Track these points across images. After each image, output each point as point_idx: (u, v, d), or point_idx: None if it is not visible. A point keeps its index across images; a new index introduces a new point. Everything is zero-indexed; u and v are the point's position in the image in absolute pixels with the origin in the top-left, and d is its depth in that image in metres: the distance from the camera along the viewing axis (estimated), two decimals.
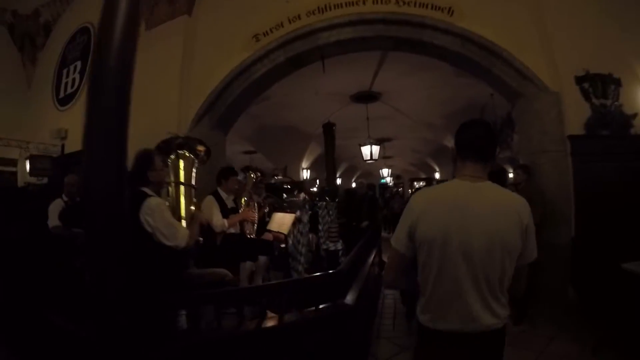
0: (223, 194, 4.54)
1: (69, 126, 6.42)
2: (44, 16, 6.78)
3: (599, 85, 4.56)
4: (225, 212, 4.42)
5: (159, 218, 2.48)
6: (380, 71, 6.92)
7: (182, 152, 3.04)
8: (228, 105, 5.67)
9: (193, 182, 3.05)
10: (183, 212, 2.94)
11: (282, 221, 4.39)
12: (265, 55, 5.36)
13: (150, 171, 2.66)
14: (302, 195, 5.40)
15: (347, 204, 7.24)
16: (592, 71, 4.58)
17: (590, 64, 4.60)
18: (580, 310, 4.25)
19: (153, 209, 2.49)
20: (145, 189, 2.62)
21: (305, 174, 11.01)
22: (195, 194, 3.11)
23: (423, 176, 16.50)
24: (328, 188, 7.70)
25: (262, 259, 4.65)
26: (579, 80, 4.61)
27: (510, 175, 9.49)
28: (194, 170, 3.06)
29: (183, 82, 5.67)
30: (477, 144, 1.55)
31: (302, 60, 5.52)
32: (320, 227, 5.07)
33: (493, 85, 5.47)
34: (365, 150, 8.40)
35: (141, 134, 6.26)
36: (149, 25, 5.99)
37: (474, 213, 1.41)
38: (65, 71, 6.70)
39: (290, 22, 5.25)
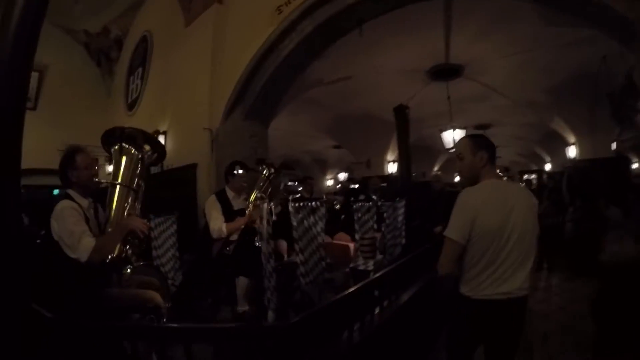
0: (230, 194, 3.82)
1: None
2: (114, 32, 7.16)
3: None
4: (230, 215, 3.67)
5: (61, 225, 2.10)
6: (450, 35, 5.33)
7: (127, 147, 2.48)
8: (259, 91, 4.96)
9: (134, 184, 2.46)
10: (112, 219, 2.39)
11: None
12: (291, 27, 4.49)
13: (71, 170, 2.27)
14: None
15: (422, 203, 5.77)
16: None
17: None
18: None
19: (58, 213, 2.12)
20: (70, 191, 2.28)
21: (393, 168, 9.65)
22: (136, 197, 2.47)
23: (534, 168, 13.36)
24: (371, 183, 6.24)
25: None
26: None
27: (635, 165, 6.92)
28: (138, 170, 2.49)
29: (214, 74, 5.22)
30: (495, 152, 1.94)
31: (334, 27, 4.49)
32: (356, 237, 3.92)
33: (598, 22, 3.63)
34: (447, 137, 6.67)
35: (178, 132, 5.95)
36: (188, 22, 5.69)
37: (512, 207, 1.77)
38: (131, 78, 6.89)
39: None
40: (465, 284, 1.83)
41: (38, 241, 2.40)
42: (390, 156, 9.63)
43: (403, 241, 4.63)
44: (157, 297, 2.35)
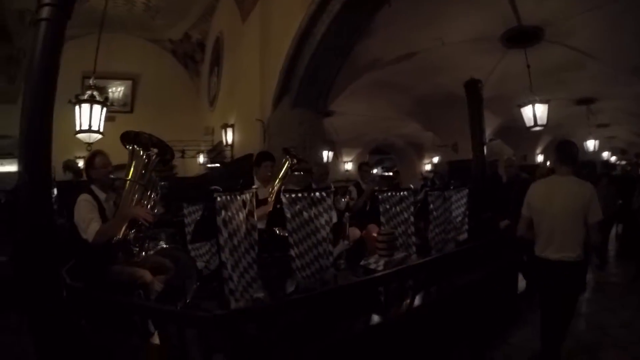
0: (257, 183, 3.84)
1: (214, 124, 7.08)
2: (195, 36, 7.77)
3: None
4: (256, 204, 3.69)
5: (77, 212, 2.55)
6: None
7: (137, 149, 2.85)
8: (302, 78, 4.88)
9: (143, 179, 2.80)
10: (120, 208, 2.75)
11: None
12: (320, 9, 4.27)
13: (91, 169, 2.74)
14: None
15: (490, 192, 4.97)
16: None
17: None
18: None
19: (77, 204, 2.58)
20: (93, 187, 2.73)
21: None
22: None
23: None
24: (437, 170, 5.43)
25: None
26: None
27: None
28: (145, 168, 2.84)
29: (263, 65, 5.27)
30: (568, 157, 2.57)
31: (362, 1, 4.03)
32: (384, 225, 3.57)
33: None
34: (527, 113, 5.47)
35: (240, 125, 6.22)
36: (243, 19, 5.85)
37: (557, 194, 2.48)
38: (211, 77, 7.45)
39: None
40: (535, 245, 2.61)
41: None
42: None
43: (463, 236, 4.08)
44: (146, 275, 2.62)
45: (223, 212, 2.66)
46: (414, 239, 3.69)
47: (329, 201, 3.11)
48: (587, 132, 8.61)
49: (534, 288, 4.52)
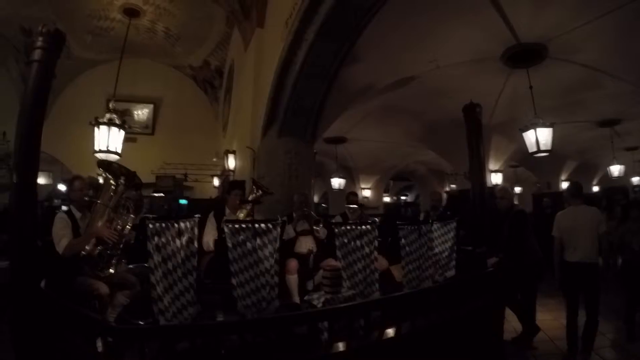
0: (227, 210, 3.96)
1: (224, 149, 7.37)
2: (213, 63, 8.15)
3: None
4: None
5: (54, 229, 2.95)
6: (503, 8, 4.09)
7: (108, 176, 3.21)
8: (286, 107, 4.82)
9: (110, 203, 3.15)
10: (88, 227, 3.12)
11: None
12: (297, 39, 4.20)
13: (70, 192, 3.22)
14: None
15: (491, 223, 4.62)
16: None
17: None
18: None
19: (54, 221, 2.99)
20: (71, 206, 3.17)
21: (497, 178, 7.89)
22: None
23: None
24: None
25: None
26: None
27: None
28: (112, 192, 3.18)
29: (255, 94, 5.35)
30: (578, 193, 3.79)
31: (333, 28, 3.96)
32: (340, 260, 3.44)
33: None
34: (530, 137, 4.95)
35: (239, 152, 6.38)
36: (245, 48, 6.04)
37: (579, 216, 3.64)
38: (224, 104, 7.78)
39: None
40: (565, 254, 3.65)
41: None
42: (493, 165, 7.99)
43: (450, 273, 3.81)
44: (102, 288, 2.91)
45: (156, 238, 2.73)
46: (376, 275, 3.49)
47: (275, 233, 3.09)
48: (612, 156, 7.71)
49: (532, 330, 4.11)
